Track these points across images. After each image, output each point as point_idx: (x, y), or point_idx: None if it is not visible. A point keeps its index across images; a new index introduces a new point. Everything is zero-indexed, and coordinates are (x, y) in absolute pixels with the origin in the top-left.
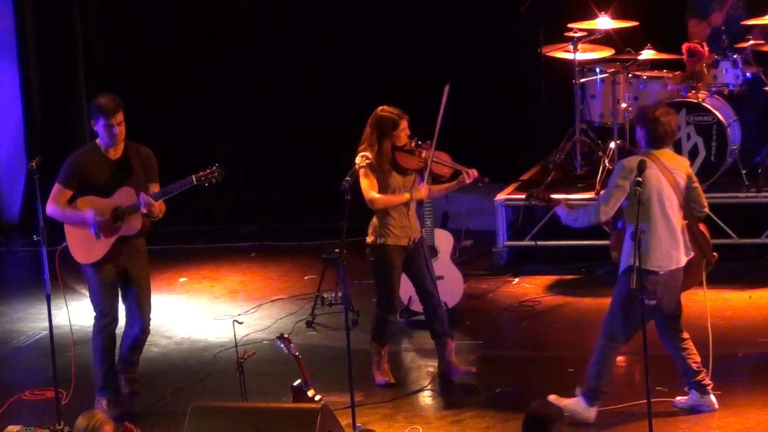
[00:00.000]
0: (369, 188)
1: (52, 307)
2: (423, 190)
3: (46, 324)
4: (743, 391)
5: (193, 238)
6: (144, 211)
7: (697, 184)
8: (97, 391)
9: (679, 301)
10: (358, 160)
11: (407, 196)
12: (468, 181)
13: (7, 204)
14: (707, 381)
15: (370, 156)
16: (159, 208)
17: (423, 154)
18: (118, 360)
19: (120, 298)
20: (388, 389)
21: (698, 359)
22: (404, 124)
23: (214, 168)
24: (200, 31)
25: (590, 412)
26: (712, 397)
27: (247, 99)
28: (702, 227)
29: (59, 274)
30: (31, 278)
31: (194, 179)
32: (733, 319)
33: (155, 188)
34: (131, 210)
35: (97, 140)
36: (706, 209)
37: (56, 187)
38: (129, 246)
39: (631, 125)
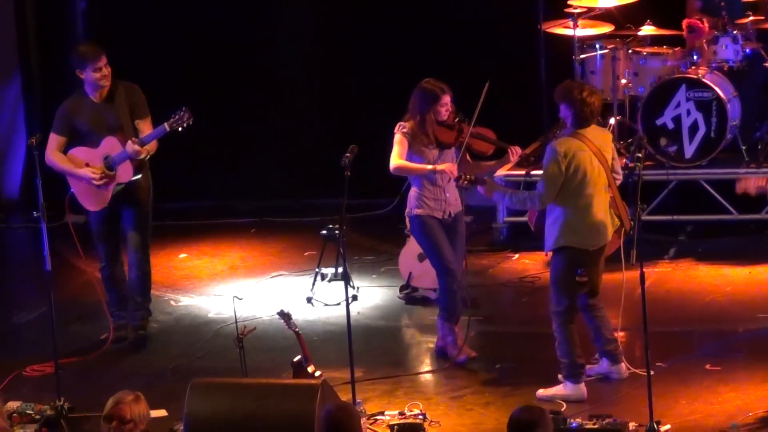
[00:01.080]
0: (394, 154)
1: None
2: (448, 165)
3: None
4: (743, 366)
5: (193, 215)
6: (133, 158)
7: (616, 156)
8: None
9: (601, 275)
10: (395, 129)
11: (428, 167)
12: (513, 158)
13: (7, 180)
14: (620, 350)
15: (407, 126)
16: (146, 151)
17: (464, 131)
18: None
19: (120, 246)
20: (389, 365)
21: (611, 327)
22: (446, 99)
23: (182, 112)
24: (200, 14)
25: (579, 390)
26: (623, 366)
27: (247, 75)
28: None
29: (68, 215)
30: (32, 254)
31: (167, 126)
32: (732, 294)
33: (144, 124)
34: (120, 159)
35: (84, 89)
36: (620, 177)
37: (51, 136)
38: (131, 188)
39: (631, 101)
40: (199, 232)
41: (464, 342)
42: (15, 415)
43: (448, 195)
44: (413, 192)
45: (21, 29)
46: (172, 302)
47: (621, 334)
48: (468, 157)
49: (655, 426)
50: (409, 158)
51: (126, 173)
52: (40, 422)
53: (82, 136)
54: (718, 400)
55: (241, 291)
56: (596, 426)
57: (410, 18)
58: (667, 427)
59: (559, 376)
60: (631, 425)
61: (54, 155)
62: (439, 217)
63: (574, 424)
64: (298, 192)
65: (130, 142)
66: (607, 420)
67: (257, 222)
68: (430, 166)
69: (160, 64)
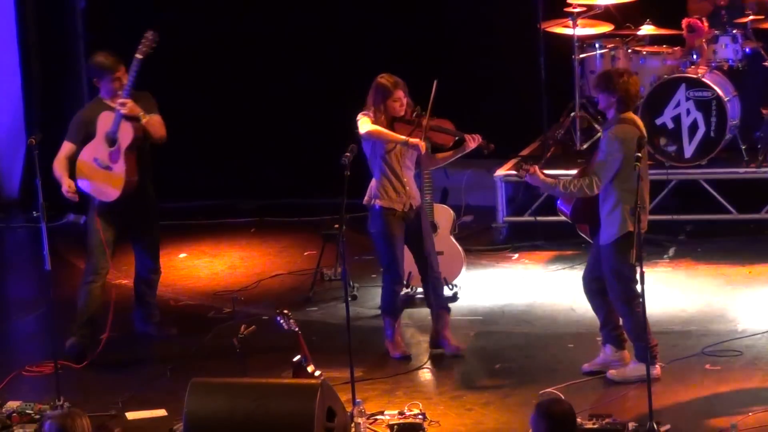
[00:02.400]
0: (364, 121)
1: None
2: (420, 141)
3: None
4: (742, 366)
5: (193, 215)
6: (124, 112)
7: None
8: None
9: None
10: (358, 116)
11: (403, 137)
12: (472, 145)
13: (6, 180)
14: (625, 336)
15: (371, 115)
16: (133, 104)
17: (423, 124)
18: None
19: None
20: (389, 365)
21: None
22: (399, 93)
23: (147, 35)
24: (200, 14)
25: (654, 371)
26: (627, 353)
27: (247, 74)
28: None
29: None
30: (31, 254)
31: (138, 55)
32: (732, 294)
33: (152, 119)
34: (116, 124)
35: (100, 95)
36: None
37: (63, 143)
38: (135, 194)
39: None
40: (199, 232)
41: (450, 338)
42: (15, 415)
43: (407, 187)
44: (374, 182)
45: (21, 29)
46: (172, 302)
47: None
48: (428, 151)
49: (655, 426)
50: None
51: (127, 134)
52: (40, 422)
53: (93, 136)
54: (718, 400)
55: (241, 291)
56: (596, 426)
57: (410, 18)
58: (667, 427)
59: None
60: (631, 425)
61: (57, 161)
62: (399, 210)
63: None
64: (298, 192)
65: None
66: (607, 420)
67: (257, 222)
68: (403, 137)
69: (160, 64)
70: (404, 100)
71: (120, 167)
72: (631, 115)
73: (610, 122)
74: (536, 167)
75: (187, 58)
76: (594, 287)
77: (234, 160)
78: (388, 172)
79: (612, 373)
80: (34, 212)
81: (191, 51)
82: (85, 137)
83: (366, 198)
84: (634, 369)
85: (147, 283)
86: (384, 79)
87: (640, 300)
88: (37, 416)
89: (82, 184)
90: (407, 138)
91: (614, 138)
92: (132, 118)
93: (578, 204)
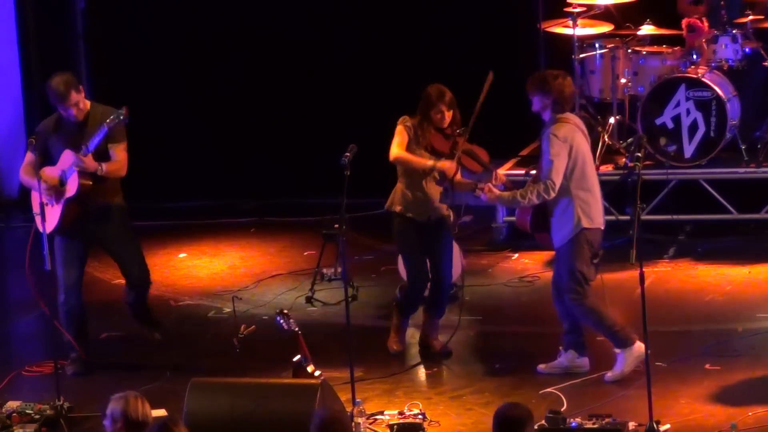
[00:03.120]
0: (395, 144)
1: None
2: (449, 164)
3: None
4: (743, 366)
5: (193, 215)
6: (75, 169)
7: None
8: None
9: None
10: (399, 120)
11: (431, 162)
12: (482, 189)
13: (6, 180)
14: (586, 343)
15: (409, 121)
16: (94, 163)
17: (458, 144)
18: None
19: (81, 275)
20: (388, 365)
21: None
22: (442, 106)
23: (119, 112)
24: (200, 14)
25: (639, 350)
26: (587, 359)
27: (247, 74)
28: None
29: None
30: (30, 254)
31: (105, 126)
32: (732, 294)
33: (117, 150)
34: (70, 171)
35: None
36: None
37: (26, 155)
38: (96, 210)
39: (630, 100)
40: (199, 232)
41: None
42: (15, 414)
43: (432, 199)
44: (399, 187)
45: (21, 29)
46: (172, 302)
47: None
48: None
49: (655, 426)
50: None
51: (72, 186)
52: (40, 422)
53: (53, 155)
54: (718, 399)
55: (240, 291)
56: (596, 426)
57: (410, 17)
58: (667, 426)
59: (615, 351)
60: (631, 425)
61: (23, 170)
62: (419, 221)
63: (573, 424)
64: (298, 192)
65: (72, 152)
66: (607, 420)
67: (257, 222)
68: (431, 162)
69: (160, 64)
70: (447, 114)
71: (56, 211)
72: (568, 115)
73: (548, 123)
74: (490, 185)
75: (187, 57)
76: (557, 294)
77: (234, 160)
78: (414, 182)
79: (609, 375)
80: (34, 212)
81: (191, 50)
82: (44, 149)
83: (388, 202)
84: (625, 362)
85: (131, 295)
86: (432, 89)
87: (592, 299)
88: (37, 416)
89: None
90: (434, 163)
91: (554, 137)
92: (87, 174)
93: (536, 212)
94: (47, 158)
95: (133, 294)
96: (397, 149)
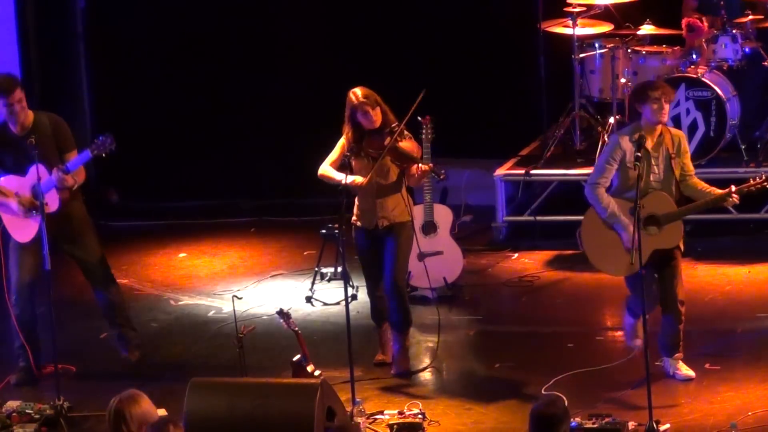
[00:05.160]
0: (326, 159)
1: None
2: (359, 180)
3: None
4: (742, 366)
5: (193, 215)
6: (59, 186)
7: None
8: None
9: None
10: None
11: (342, 179)
12: (415, 172)
13: None
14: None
15: (344, 136)
16: (72, 179)
17: (386, 141)
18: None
19: (36, 281)
20: (388, 365)
21: None
22: (366, 108)
23: (106, 138)
24: (200, 13)
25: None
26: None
27: (247, 74)
28: None
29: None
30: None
31: (90, 152)
32: (732, 294)
33: (71, 156)
34: (47, 187)
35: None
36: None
37: None
38: (61, 218)
39: (630, 100)
40: (199, 232)
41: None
42: (15, 414)
43: (380, 205)
44: (356, 199)
45: (21, 28)
46: (172, 302)
47: (620, 333)
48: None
49: (655, 425)
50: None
51: (53, 202)
52: (40, 422)
53: (9, 167)
54: (718, 399)
55: (240, 290)
56: (596, 425)
57: (410, 17)
58: (667, 426)
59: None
60: (631, 425)
61: None
62: (369, 228)
63: (573, 424)
64: (298, 192)
65: (55, 169)
66: (607, 419)
67: (257, 221)
68: (343, 179)
69: (160, 63)
70: (374, 114)
71: (30, 224)
72: None
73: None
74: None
75: (187, 57)
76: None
77: (234, 160)
78: (360, 192)
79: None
80: (34, 212)
81: (191, 50)
82: None
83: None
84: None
85: (103, 305)
86: (352, 93)
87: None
88: (37, 416)
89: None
90: (344, 180)
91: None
92: (64, 188)
93: None
94: (1, 168)
95: (103, 301)
96: (322, 166)
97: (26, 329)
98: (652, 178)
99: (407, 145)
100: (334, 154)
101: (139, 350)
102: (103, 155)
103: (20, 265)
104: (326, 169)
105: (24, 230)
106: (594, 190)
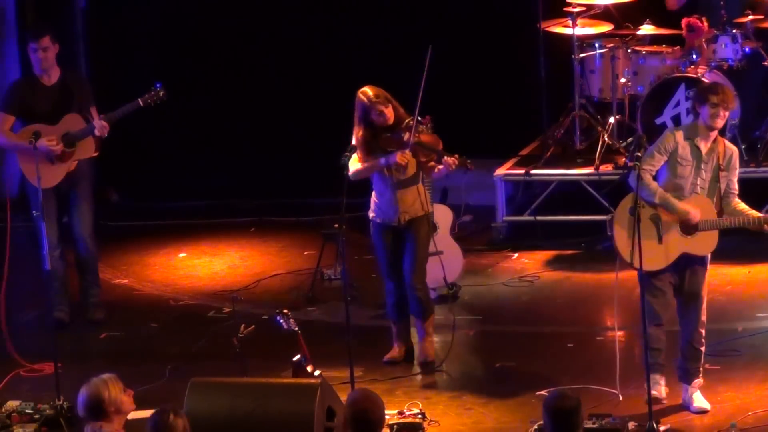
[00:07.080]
0: (352, 162)
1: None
2: (398, 155)
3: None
4: (742, 366)
5: (193, 215)
6: (98, 134)
7: None
8: None
9: None
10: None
11: (382, 161)
12: (449, 168)
13: (7, 180)
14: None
15: (355, 138)
16: (105, 131)
17: (405, 136)
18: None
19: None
20: (388, 364)
21: None
22: (379, 107)
23: (158, 88)
24: (200, 13)
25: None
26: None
27: (247, 74)
28: None
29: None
30: (30, 253)
31: (140, 102)
32: (732, 294)
33: (95, 112)
34: (83, 134)
35: (33, 70)
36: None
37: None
38: (75, 170)
39: (630, 100)
40: (199, 232)
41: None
42: (15, 414)
43: (401, 200)
44: (373, 195)
45: (22, 29)
46: (172, 302)
47: (620, 333)
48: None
49: (655, 426)
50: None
51: (88, 149)
52: (40, 421)
53: (39, 115)
54: (718, 399)
55: (240, 291)
56: (596, 426)
57: (409, 17)
58: (667, 426)
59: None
60: (631, 425)
61: (3, 134)
62: (392, 223)
63: None
64: (298, 192)
65: (97, 118)
66: (607, 419)
67: (257, 221)
68: (382, 160)
69: (160, 63)
70: (387, 111)
71: (65, 167)
72: None
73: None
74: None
75: (188, 57)
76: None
77: (233, 159)
78: (379, 186)
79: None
80: (34, 212)
81: (191, 50)
82: (21, 109)
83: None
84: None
85: (81, 256)
86: (363, 94)
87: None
88: (37, 416)
89: (21, 161)
90: (386, 157)
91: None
92: (100, 138)
93: None
94: (27, 118)
95: (83, 245)
96: (351, 166)
97: (60, 281)
98: (698, 182)
99: (429, 138)
100: (357, 155)
101: (101, 309)
102: (152, 105)
103: (48, 223)
104: (358, 166)
105: (47, 175)
106: (641, 175)
